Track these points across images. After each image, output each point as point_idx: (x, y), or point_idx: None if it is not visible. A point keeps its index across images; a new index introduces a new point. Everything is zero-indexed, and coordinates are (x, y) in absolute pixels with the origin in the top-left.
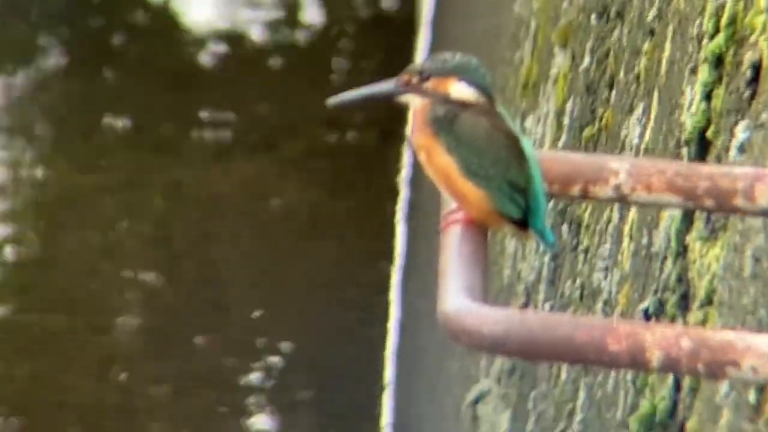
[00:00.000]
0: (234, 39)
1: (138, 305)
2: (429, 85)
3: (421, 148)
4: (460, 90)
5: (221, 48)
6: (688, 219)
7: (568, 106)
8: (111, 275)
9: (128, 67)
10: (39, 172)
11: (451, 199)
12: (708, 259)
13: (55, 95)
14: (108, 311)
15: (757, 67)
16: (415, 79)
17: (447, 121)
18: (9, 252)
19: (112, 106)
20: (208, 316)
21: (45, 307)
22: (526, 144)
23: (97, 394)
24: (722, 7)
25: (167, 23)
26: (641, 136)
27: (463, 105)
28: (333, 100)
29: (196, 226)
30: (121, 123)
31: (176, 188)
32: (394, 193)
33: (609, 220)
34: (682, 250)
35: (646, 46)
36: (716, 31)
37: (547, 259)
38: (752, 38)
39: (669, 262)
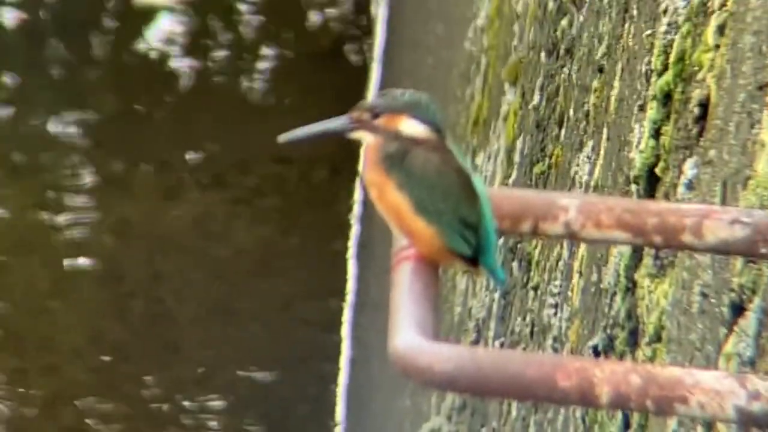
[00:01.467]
0: (184, 75)
1: (87, 344)
2: (380, 121)
3: (373, 185)
4: (411, 127)
5: (172, 84)
6: (637, 255)
7: (519, 143)
8: (59, 314)
9: (79, 104)
10: None
11: (403, 236)
12: (657, 295)
13: (3, 129)
14: (56, 350)
15: (704, 105)
16: (366, 116)
17: (398, 158)
18: None
19: (61, 142)
20: (158, 355)
21: None
22: (477, 181)
23: None
24: (670, 44)
25: (119, 52)
26: (591, 173)
27: (415, 142)
28: (284, 137)
29: (146, 264)
30: (69, 159)
31: (125, 226)
32: (345, 230)
33: (559, 257)
34: (631, 287)
35: (595, 83)
36: (665, 68)
37: (497, 295)
38: (700, 75)
39: (618, 299)
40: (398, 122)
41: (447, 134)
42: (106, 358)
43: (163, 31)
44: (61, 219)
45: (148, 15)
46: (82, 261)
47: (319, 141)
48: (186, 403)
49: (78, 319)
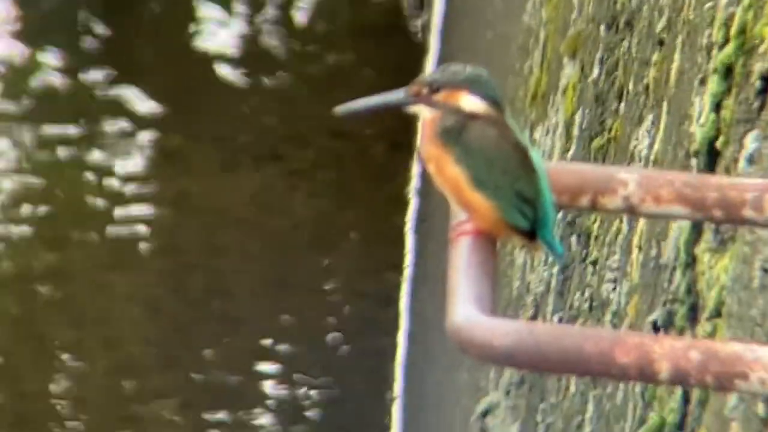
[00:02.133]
0: (243, 51)
1: (146, 317)
2: (440, 97)
3: (431, 158)
4: (471, 102)
5: (228, 57)
6: (696, 230)
7: (578, 117)
8: (119, 287)
9: (138, 79)
10: (44, 179)
11: (461, 209)
12: (717, 271)
13: (66, 101)
14: (115, 323)
15: (766, 78)
16: (425, 91)
17: (456, 132)
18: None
19: (121, 116)
20: (217, 329)
21: (52, 321)
22: (535, 155)
23: (106, 406)
24: (732, 17)
25: (176, 32)
26: (650, 147)
27: (473, 117)
28: (341, 109)
29: (204, 237)
30: (129, 133)
31: (184, 199)
32: (402, 204)
33: (618, 232)
34: (691, 262)
35: (655, 56)
36: (726, 41)
37: (555, 270)
38: (762, 48)
39: (678, 274)
40: (458, 98)
41: (506, 110)
42: (164, 331)
43: (216, 14)
44: (120, 192)
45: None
46: (141, 234)
47: (377, 114)
48: (244, 376)
49: (136, 292)
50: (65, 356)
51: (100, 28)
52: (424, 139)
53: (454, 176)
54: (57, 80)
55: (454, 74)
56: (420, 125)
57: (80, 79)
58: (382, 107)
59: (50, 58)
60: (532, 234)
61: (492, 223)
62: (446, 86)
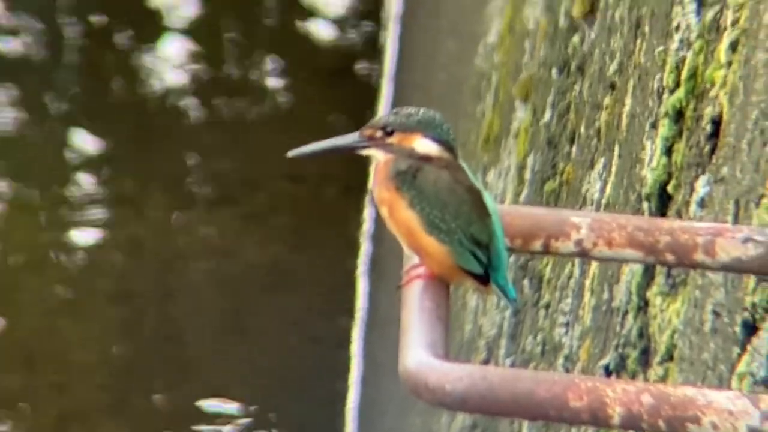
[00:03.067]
0: (195, 93)
1: (97, 362)
2: (393, 139)
3: (384, 202)
4: (424, 145)
5: (183, 102)
6: (649, 274)
7: (530, 160)
8: (70, 332)
9: (90, 123)
10: None
11: (413, 254)
12: (669, 314)
13: (14, 148)
14: (66, 369)
15: (717, 122)
16: (378, 134)
17: (409, 175)
18: None
19: (73, 161)
20: (168, 373)
21: (2, 366)
22: (488, 199)
23: None
24: (682, 61)
25: (130, 73)
26: (602, 190)
27: (427, 159)
28: (294, 153)
29: (157, 282)
30: (81, 178)
31: (136, 243)
32: (355, 248)
33: (570, 275)
34: (643, 305)
35: (606, 100)
36: (677, 85)
37: (508, 314)
38: (712, 92)
39: (630, 317)
40: (412, 140)
41: (458, 153)
42: (117, 377)
43: (172, 52)
44: (72, 237)
45: (155, 36)
46: (93, 278)
47: (330, 157)
48: (195, 421)
49: (88, 337)
50: (15, 402)
51: (52, 73)
52: (377, 182)
53: (407, 220)
54: (5, 119)
55: (408, 117)
56: (373, 168)
57: (30, 119)
58: (335, 150)
59: None
60: (485, 278)
61: (445, 268)
62: (400, 129)
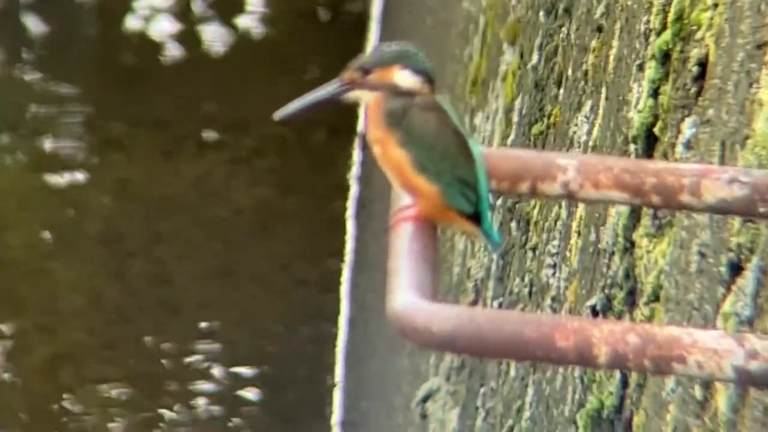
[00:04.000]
0: (184, 37)
1: (86, 305)
2: (373, 77)
3: (376, 141)
4: (404, 78)
5: (169, 45)
6: (635, 216)
7: (517, 103)
8: (59, 275)
9: (78, 66)
10: None
11: (404, 193)
12: (654, 255)
13: (1, 93)
14: (55, 311)
15: (703, 64)
16: (357, 75)
17: (399, 116)
18: None
19: (62, 103)
20: (157, 316)
21: None
22: (473, 143)
23: (44, 394)
24: (669, 3)
25: (117, 21)
26: (589, 132)
27: (411, 94)
28: (279, 113)
29: (145, 225)
30: (70, 120)
31: (124, 186)
32: (343, 191)
33: (557, 217)
34: (629, 247)
35: (593, 43)
36: (663, 27)
37: (495, 256)
38: (698, 34)
39: (616, 259)
40: (391, 75)
41: (438, 83)
42: (105, 319)
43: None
44: (60, 180)
45: None
46: (82, 222)
47: (316, 110)
48: (184, 364)
49: (77, 280)
50: (4, 344)
51: (37, 20)
52: (369, 122)
53: (398, 159)
54: None
55: (382, 53)
56: (363, 109)
57: (17, 68)
58: (319, 103)
59: None
60: (476, 217)
61: (435, 208)
62: (377, 66)
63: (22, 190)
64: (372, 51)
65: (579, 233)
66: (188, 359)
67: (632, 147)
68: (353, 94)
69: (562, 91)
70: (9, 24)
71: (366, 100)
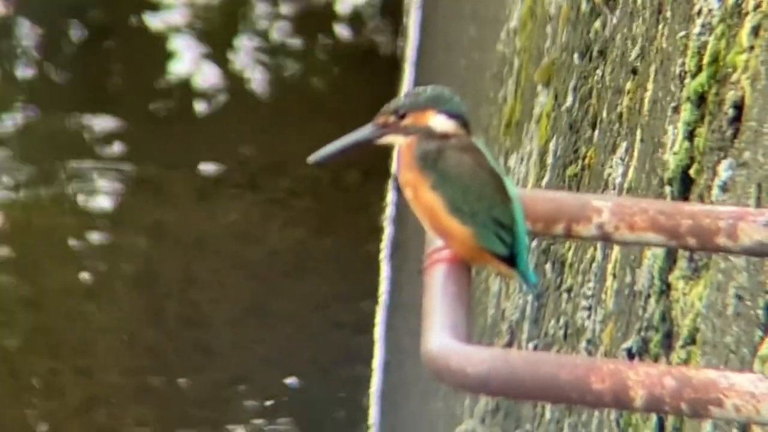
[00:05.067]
0: (221, 79)
1: (121, 347)
2: (407, 121)
3: (408, 184)
4: (439, 122)
5: (206, 87)
6: (671, 258)
7: (552, 144)
8: (94, 317)
9: (111, 108)
10: (20, 212)
11: (437, 236)
12: (691, 298)
13: (36, 134)
14: (91, 353)
15: (739, 106)
16: (392, 119)
17: (432, 158)
18: None
19: (96, 145)
20: (192, 358)
21: (27, 350)
22: (509, 183)
23: None
24: (704, 45)
25: (156, 61)
26: (624, 174)
27: (446, 137)
28: (314, 157)
29: (180, 267)
30: (104, 164)
31: (160, 229)
32: (377, 232)
33: (593, 259)
34: (666, 289)
35: (628, 85)
36: (698, 69)
37: (530, 298)
38: (734, 77)
39: (652, 301)
40: (426, 119)
41: (472, 127)
42: (141, 361)
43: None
44: (95, 223)
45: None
46: (117, 264)
47: (351, 153)
48: (220, 407)
49: (113, 323)
50: (40, 386)
51: (72, 60)
52: (401, 165)
53: (431, 202)
54: (29, 114)
55: (417, 96)
56: (396, 152)
57: (53, 107)
58: (354, 146)
59: (21, 91)
60: (510, 259)
61: (469, 250)
62: (412, 109)
63: (59, 232)
64: (406, 95)
65: (614, 275)
66: (223, 401)
67: (668, 189)
68: (387, 138)
69: (596, 133)
70: (48, 63)
71: (399, 143)
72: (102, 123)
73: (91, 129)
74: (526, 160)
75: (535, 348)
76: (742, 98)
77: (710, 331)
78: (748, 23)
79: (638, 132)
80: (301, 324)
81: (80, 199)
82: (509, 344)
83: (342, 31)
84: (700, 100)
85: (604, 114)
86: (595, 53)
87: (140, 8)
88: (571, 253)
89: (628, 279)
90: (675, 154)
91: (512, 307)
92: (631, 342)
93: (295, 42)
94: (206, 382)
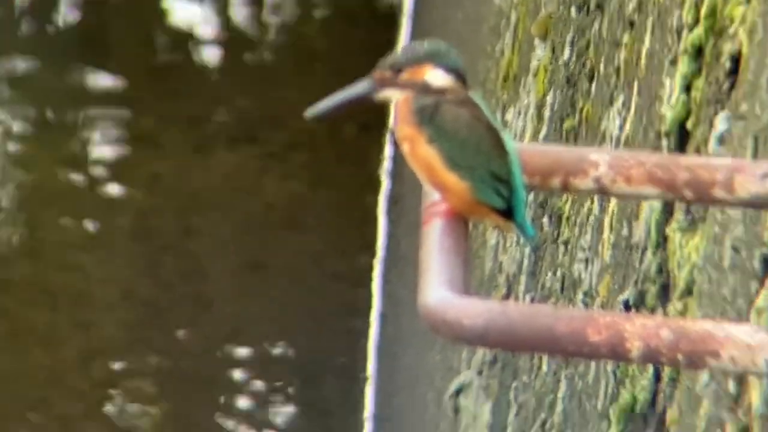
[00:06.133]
0: (217, 34)
1: (118, 299)
2: (404, 76)
3: (405, 139)
4: (435, 76)
5: (204, 40)
6: (667, 210)
7: (549, 98)
8: (91, 269)
9: (109, 61)
10: (18, 167)
11: (434, 190)
12: (688, 250)
13: (35, 88)
14: (88, 306)
15: (736, 58)
16: (388, 74)
17: (429, 113)
18: None
19: (93, 98)
20: (190, 310)
21: (25, 302)
22: (507, 137)
23: (78, 388)
24: None
25: (146, 11)
26: (621, 128)
27: (442, 92)
28: (311, 112)
29: (177, 219)
30: (101, 116)
31: (156, 181)
32: (375, 186)
33: (589, 212)
34: (662, 241)
35: (625, 38)
36: (696, 22)
37: (527, 250)
38: (731, 29)
39: (649, 253)
40: (422, 73)
41: (469, 81)
42: (138, 313)
43: None
44: (92, 175)
45: None
46: (114, 216)
47: (348, 108)
48: (218, 358)
49: (110, 275)
50: (38, 338)
51: (67, 12)
52: (398, 119)
53: (428, 156)
54: (24, 64)
55: (414, 51)
56: (393, 106)
57: (47, 62)
58: (350, 101)
59: (17, 43)
60: (508, 212)
61: (466, 204)
62: (408, 64)
63: (53, 185)
64: (403, 49)
65: (611, 228)
66: (220, 353)
67: (664, 142)
68: (384, 93)
69: (593, 86)
70: (39, 18)
71: (396, 98)
72: (99, 76)
73: (89, 82)
74: (524, 113)
75: (532, 300)
76: (740, 51)
77: (707, 283)
78: None
79: (635, 85)
80: (298, 277)
81: (77, 151)
82: (506, 297)
83: None
84: (698, 53)
85: (602, 67)
86: (592, 6)
87: None
88: (568, 206)
89: (625, 231)
90: (672, 106)
91: (509, 259)
92: (627, 294)
93: None
94: (203, 335)
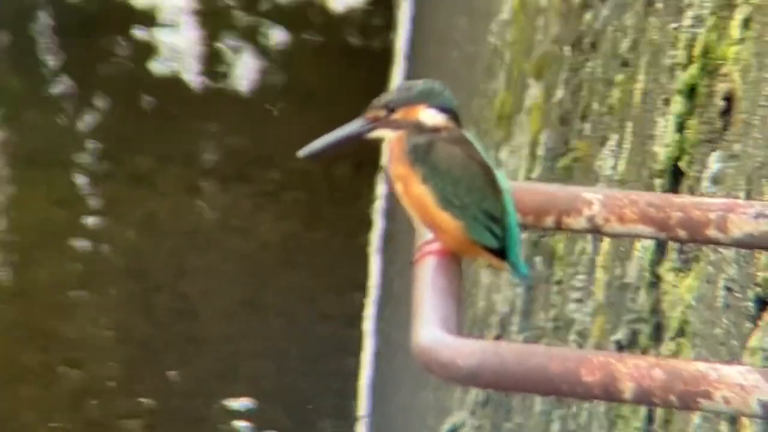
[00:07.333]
0: (210, 71)
1: (112, 339)
2: (397, 116)
3: (398, 178)
4: (429, 116)
5: (197, 80)
6: (661, 250)
7: (542, 137)
8: (85, 309)
9: (103, 100)
10: (12, 205)
11: (427, 230)
12: (681, 290)
13: (29, 126)
14: (82, 345)
15: (729, 98)
16: (382, 113)
17: (422, 151)
18: None
19: (88, 138)
20: (182, 350)
21: (18, 342)
22: (500, 175)
23: (69, 429)
24: (695, 37)
25: (145, 54)
26: (615, 167)
27: (435, 131)
28: (304, 151)
29: (171, 259)
30: (96, 155)
31: (151, 220)
32: (368, 224)
33: (582, 252)
34: (655, 281)
35: (619, 77)
36: (689, 62)
37: (521, 290)
38: (725, 69)
39: (642, 293)
40: (416, 113)
41: (463, 120)
42: (131, 353)
43: (185, 36)
44: (87, 214)
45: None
46: (108, 256)
47: (341, 148)
48: (209, 398)
49: (103, 314)
50: (31, 378)
51: (58, 53)
52: (391, 158)
53: (421, 196)
54: (18, 99)
55: (408, 90)
56: (386, 145)
57: (42, 102)
58: (344, 141)
59: (13, 83)
60: (501, 252)
61: (460, 242)
62: (402, 104)
63: (49, 224)
64: (397, 89)
65: (604, 268)
66: (212, 393)
67: (658, 181)
68: (377, 133)
69: (587, 125)
70: (33, 56)
71: (389, 137)
72: (91, 115)
73: (81, 121)
74: (517, 152)
75: (525, 340)
76: (733, 90)
77: (700, 323)
78: (739, 15)
79: (629, 124)
80: (291, 316)
81: (71, 191)
82: (499, 337)
83: (334, 23)
84: (691, 92)
85: (595, 106)
86: (586, 45)
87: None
88: (561, 245)
89: (618, 271)
90: (665, 146)
91: (502, 299)
92: (620, 334)
93: (287, 34)
94: (195, 375)
